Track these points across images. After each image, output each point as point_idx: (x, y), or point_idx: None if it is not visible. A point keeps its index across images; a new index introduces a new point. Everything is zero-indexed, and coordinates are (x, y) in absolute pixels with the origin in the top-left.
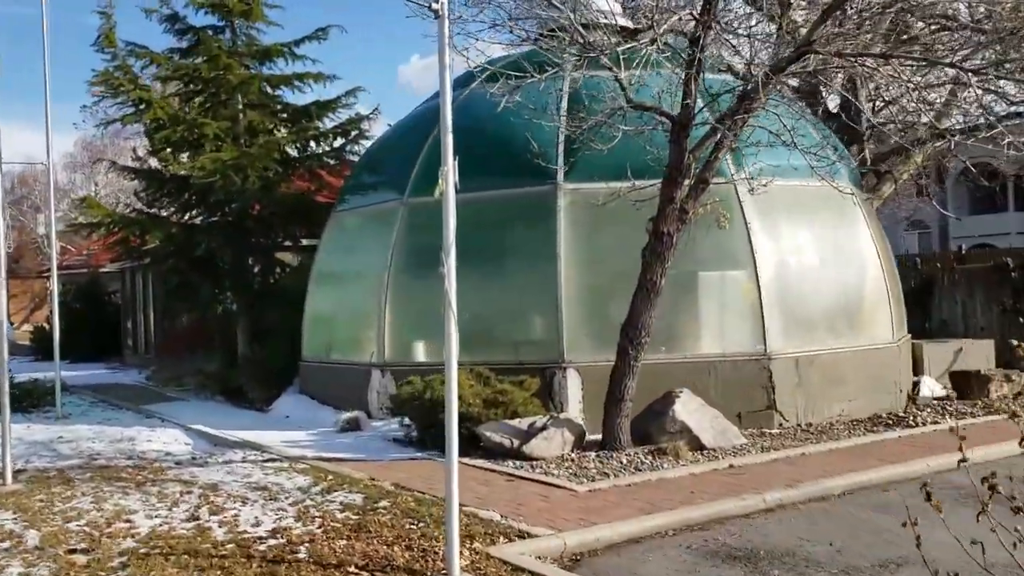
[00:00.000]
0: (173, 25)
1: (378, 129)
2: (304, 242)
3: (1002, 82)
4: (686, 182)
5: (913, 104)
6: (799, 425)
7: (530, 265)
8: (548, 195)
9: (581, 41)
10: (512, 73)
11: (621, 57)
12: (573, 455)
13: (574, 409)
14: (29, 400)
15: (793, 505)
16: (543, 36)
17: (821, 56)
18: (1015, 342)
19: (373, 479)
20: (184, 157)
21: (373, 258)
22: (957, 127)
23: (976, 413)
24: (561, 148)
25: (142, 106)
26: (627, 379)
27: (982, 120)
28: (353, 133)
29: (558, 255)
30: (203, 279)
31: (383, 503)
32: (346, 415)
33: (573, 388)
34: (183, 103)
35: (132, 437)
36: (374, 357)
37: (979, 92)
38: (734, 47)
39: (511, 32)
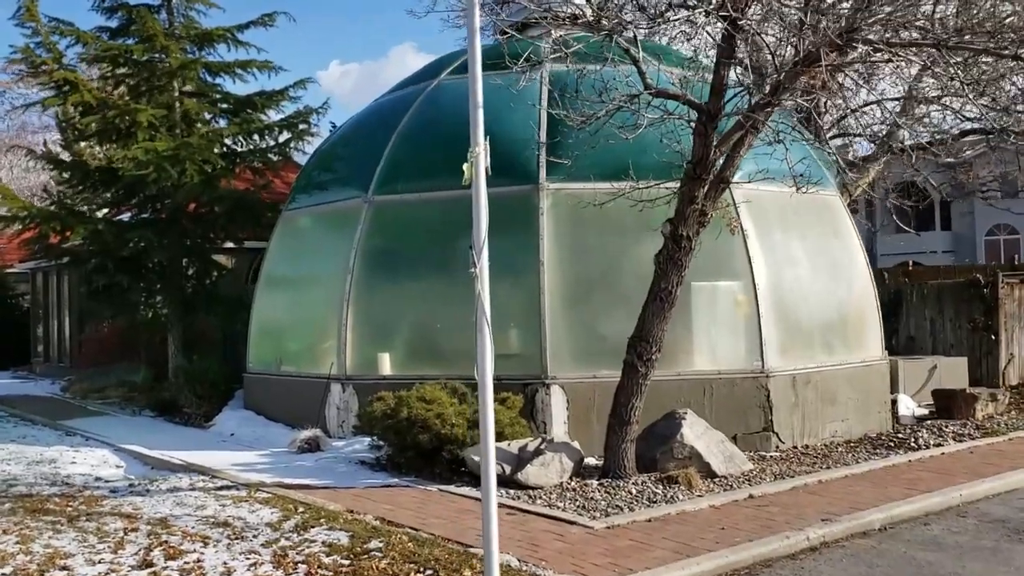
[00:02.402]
0: (103, 1)
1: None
2: (246, 244)
3: None
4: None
5: (959, 100)
6: (795, 447)
7: (509, 272)
8: (529, 196)
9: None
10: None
11: (639, 39)
12: (573, 483)
13: (559, 429)
14: None
15: (837, 543)
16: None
17: (864, 46)
18: None
19: (352, 512)
20: (112, 147)
21: (332, 261)
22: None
23: (973, 434)
24: (544, 145)
25: (66, 88)
26: (634, 399)
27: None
28: (301, 127)
29: (540, 261)
30: (132, 281)
31: (374, 544)
32: (304, 434)
33: (558, 406)
34: (112, 88)
35: (54, 459)
36: (334, 369)
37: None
38: (764, 34)
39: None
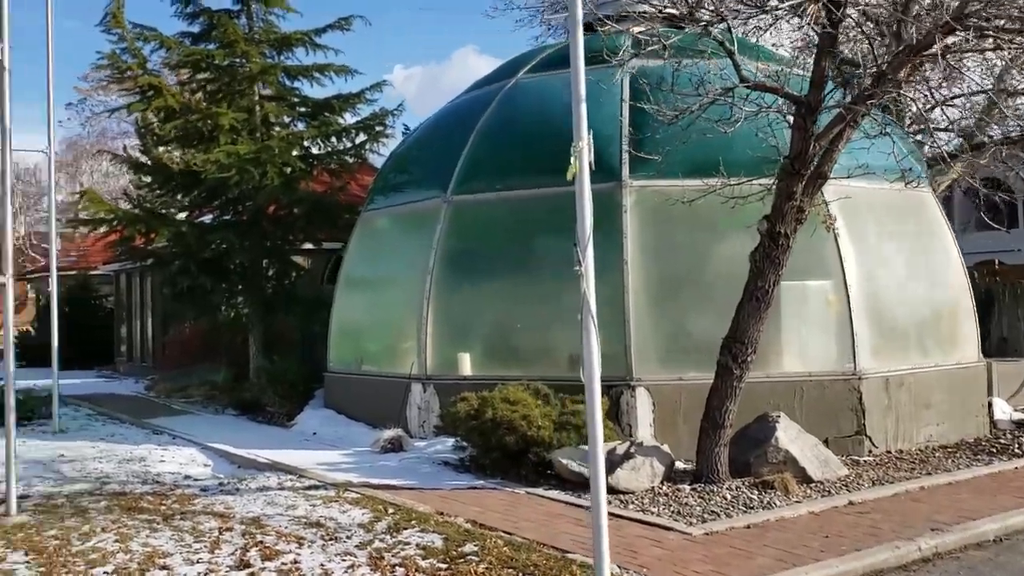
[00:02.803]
0: (185, 7)
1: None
2: (323, 245)
3: None
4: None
5: None
6: (889, 452)
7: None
8: (611, 194)
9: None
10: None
11: (733, 31)
12: (665, 488)
13: (644, 432)
14: (21, 411)
15: (950, 554)
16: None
17: (973, 32)
18: None
19: (442, 513)
20: (193, 151)
21: (411, 261)
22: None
23: None
24: (626, 142)
25: (150, 93)
26: (728, 402)
27: None
28: (377, 129)
29: (624, 260)
30: (215, 282)
31: (469, 547)
32: (387, 434)
33: (643, 409)
34: (192, 93)
35: (143, 457)
36: (414, 369)
37: None
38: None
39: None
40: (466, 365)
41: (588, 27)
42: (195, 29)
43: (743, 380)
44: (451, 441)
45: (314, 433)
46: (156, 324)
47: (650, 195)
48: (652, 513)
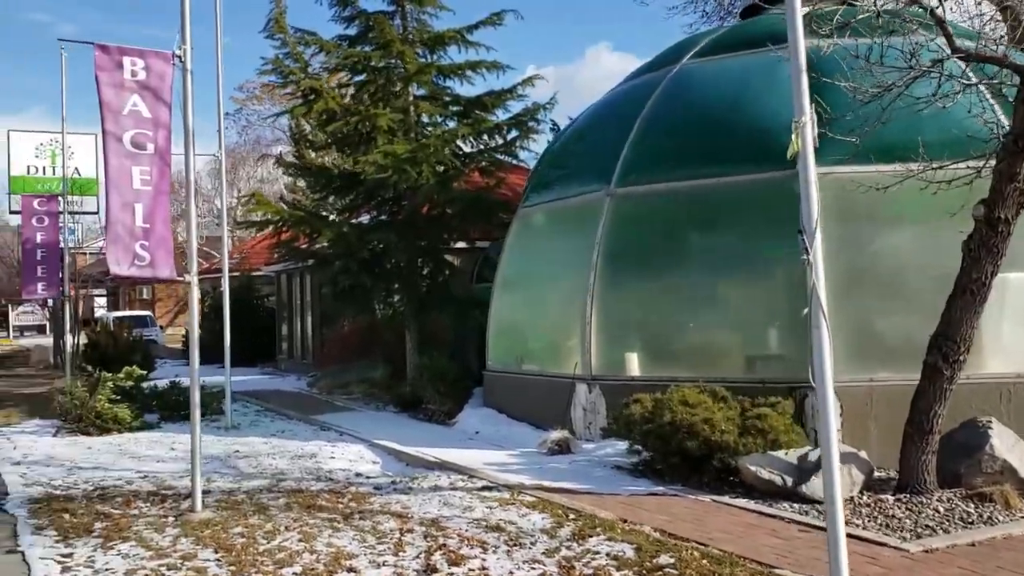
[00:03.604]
0: (343, 9)
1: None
2: (475, 244)
3: None
4: None
5: None
6: None
7: (770, 266)
8: (789, 182)
9: None
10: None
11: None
12: (865, 498)
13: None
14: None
15: None
16: None
17: None
18: None
19: (626, 521)
20: (351, 153)
21: (572, 257)
22: None
23: None
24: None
25: (311, 96)
26: (936, 406)
27: None
28: (529, 124)
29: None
30: (374, 281)
31: (664, 558)
32: (554, 435)
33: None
34: (352, 96)
35: (313, 453)
36: (578, 369)
37: None
38: None
39: None
40: (634, 365)
41: (754, 9)
42: (352, 32)
43: (954, 382)
44: (621, 444)
45: (476, 432)
46: (315, 322)
47: (834, 183)
48: (856, 526)
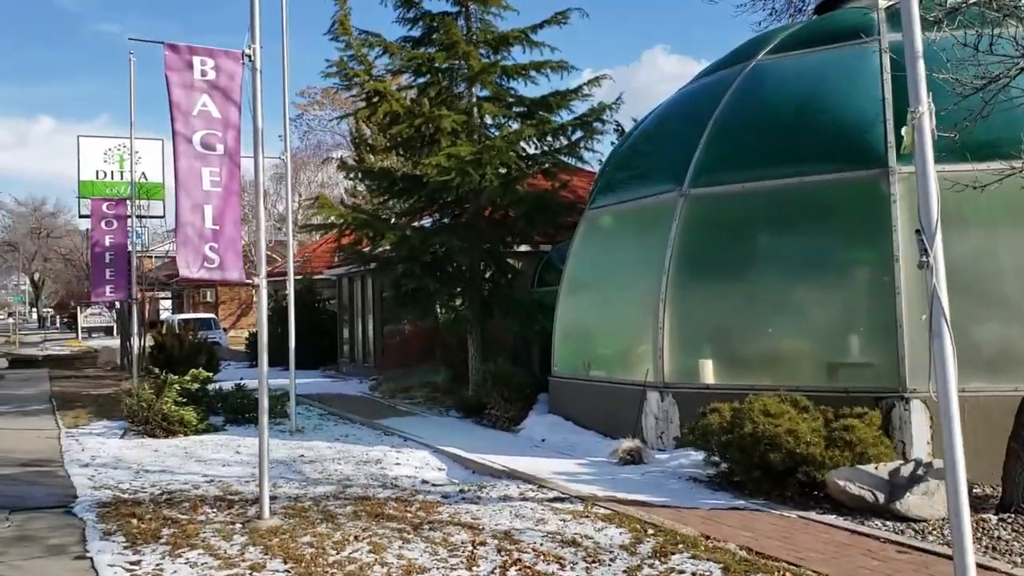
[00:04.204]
0: (407, 10)
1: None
2: (539, 247)
3: None
4: None
5: None
6: None
7: (853, 270)
8: (876, 182)
9: None
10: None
11: None
12: None
13: (920, 450)
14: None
15: None
16: None
17: None
18: None
19: (708, 537)
20: (414, 155)
21: (643, 260)
22: None
23: None
24: (890, 124)
25: (375, 99)
26: None
27: None
28: (595, 125)
29: (895, 257)
30: (440, 285)
31: None
32: (625, 444)
33: (918, 424)
34: (415, 99)
35: (379, 459)
36: (649, 376)
37: None
38: None
39: None
40: (708, 373)
41: (830, 3)
42: (416, 33)
43: None
44: (696, 454)
45: (543, 440)
46: (376, 326)
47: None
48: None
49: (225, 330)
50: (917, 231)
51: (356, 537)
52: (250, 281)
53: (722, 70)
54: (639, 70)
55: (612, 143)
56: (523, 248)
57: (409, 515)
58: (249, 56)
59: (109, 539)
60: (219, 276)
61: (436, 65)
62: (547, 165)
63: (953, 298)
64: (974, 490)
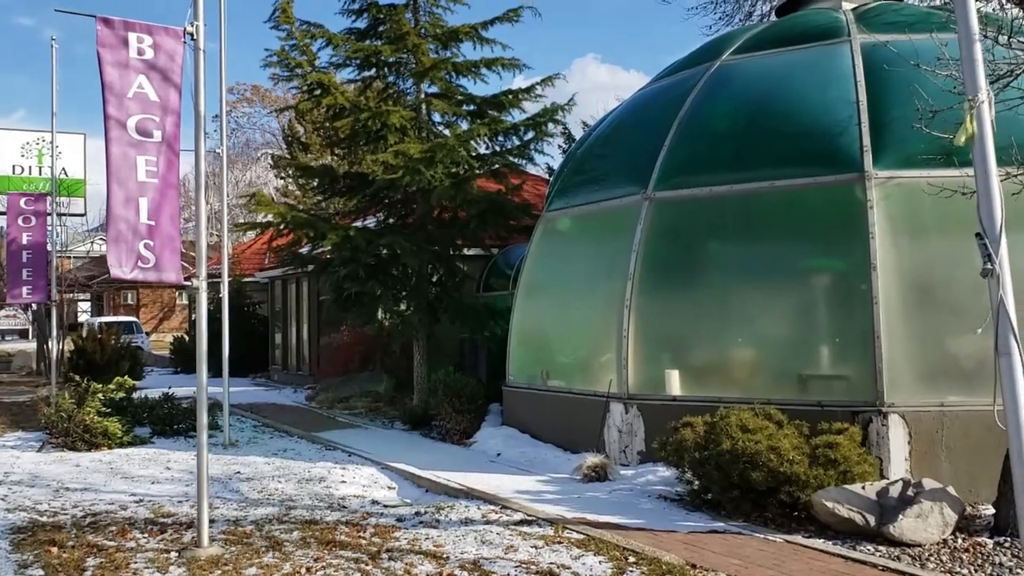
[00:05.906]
0: (352, 2)
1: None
2: (492, 249)
3: None
4: None
5: None
6: None
7: (827, 278)
8: (851, 188)
9: None
10: None
11: None
12: (961, 541)
13: (898, 468)
14: (188, 421)
15: None
16: None
17: None
18: None
19: (694, 566)
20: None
21: (606, 266)
22: None
23: None
24: (866, 127)
25: (318, 91)
26: None
27: None
28: (547, 127)
29: (872, 265)
30: (384, 289)
31: None
32: (590, 460)
33: (896, 440)
34: (359, 92)
35: (322, 476)
36: (613, 387)
37: None
38: None
39: None
40: (675, 384)
41: (792, 5)
42: (361, 25)
43: None
44: (664, 470)
45: (498, 454)
46: (312, 332)
47: (898, 188)
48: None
49: (148, 334)
50: (977, 234)
51: (308, 569)
52: (189, 283)
53: (684, 70)
54: (570, 77)
55: (560, 147)
56: (472, 251)
57: (363, 542)
58: (191, 34)
59: (25, 573)
60: (155, 277)
61: (383, 58)
62: (497, 166)
63: (934, 308)
64: (965, 511)
